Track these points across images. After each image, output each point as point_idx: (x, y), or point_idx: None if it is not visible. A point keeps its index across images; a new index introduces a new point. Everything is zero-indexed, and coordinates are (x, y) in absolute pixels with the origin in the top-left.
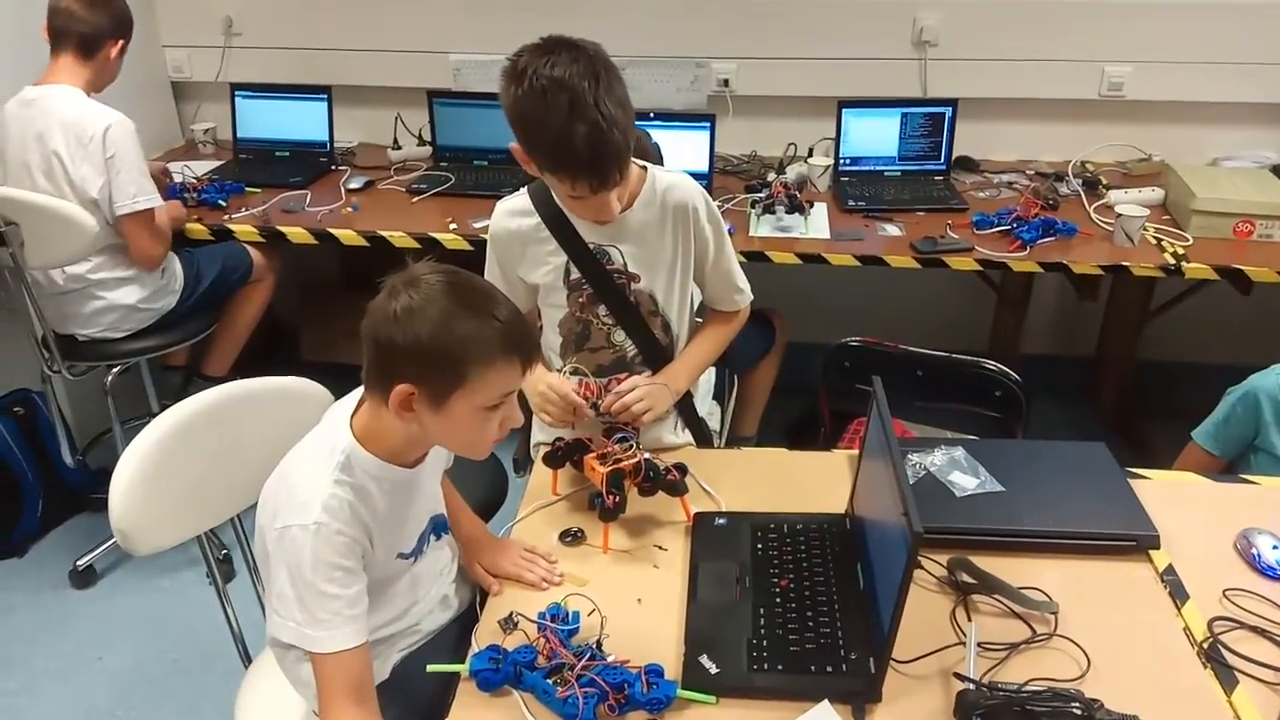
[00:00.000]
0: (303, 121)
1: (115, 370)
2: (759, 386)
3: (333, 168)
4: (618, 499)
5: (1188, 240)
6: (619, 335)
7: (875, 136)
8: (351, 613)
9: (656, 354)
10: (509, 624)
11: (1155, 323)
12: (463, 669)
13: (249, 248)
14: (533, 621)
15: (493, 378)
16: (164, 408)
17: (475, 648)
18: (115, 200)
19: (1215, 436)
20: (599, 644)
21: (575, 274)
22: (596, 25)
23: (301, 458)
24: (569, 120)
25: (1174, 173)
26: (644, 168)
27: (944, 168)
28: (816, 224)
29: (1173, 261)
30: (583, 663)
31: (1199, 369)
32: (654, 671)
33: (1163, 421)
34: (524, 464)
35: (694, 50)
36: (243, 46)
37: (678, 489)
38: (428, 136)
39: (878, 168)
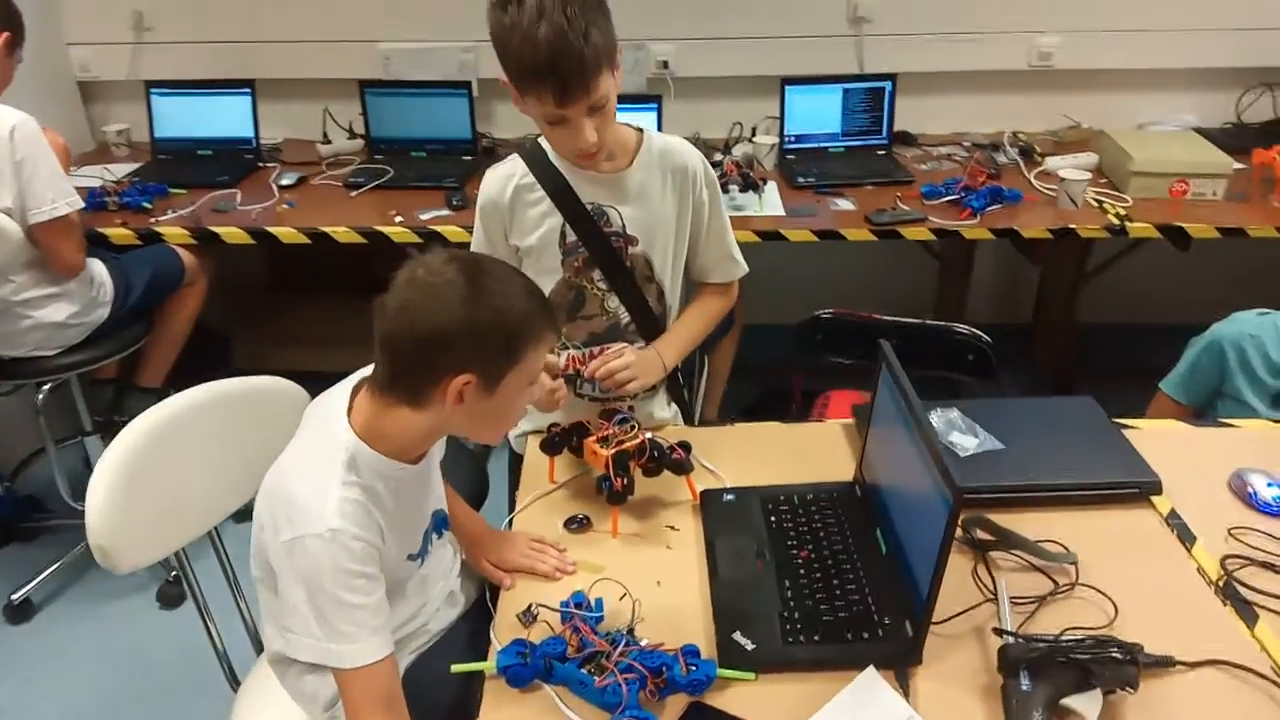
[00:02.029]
0: (225, 118)
1: (46, 388)
2: (719, 368)
3: (260, 165)
4: (625, 481)
5: (1128, 201)
6: (613, 301)
7: (818, 113)
8: (375, 623)
9: (650, 322)
10: (529, 617)
11: (1090, 286)
12: (487, 667)
13: (179, 250)
14: (555, 611)
15: (540, 349)
16: (96, 425)
17: (496, 644)
18: (30, 208)
19: (1182, 386)
20: (631, 629)
21: (571, 237)
22: None
23: (299, 464)
24: (535, 23)
25: (1109, 137)
26: (639, 130)
27: (886, 142)
28: (770, 201)
29: (1116, 222)
30: (620, 649)
31: (1135, 330)
32: (690, 652)
33: (1105, 383)
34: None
35: (631, 33)
36: (155, 42)
37: (684, 467)
38: (358, 129)
39: (822, 144)
